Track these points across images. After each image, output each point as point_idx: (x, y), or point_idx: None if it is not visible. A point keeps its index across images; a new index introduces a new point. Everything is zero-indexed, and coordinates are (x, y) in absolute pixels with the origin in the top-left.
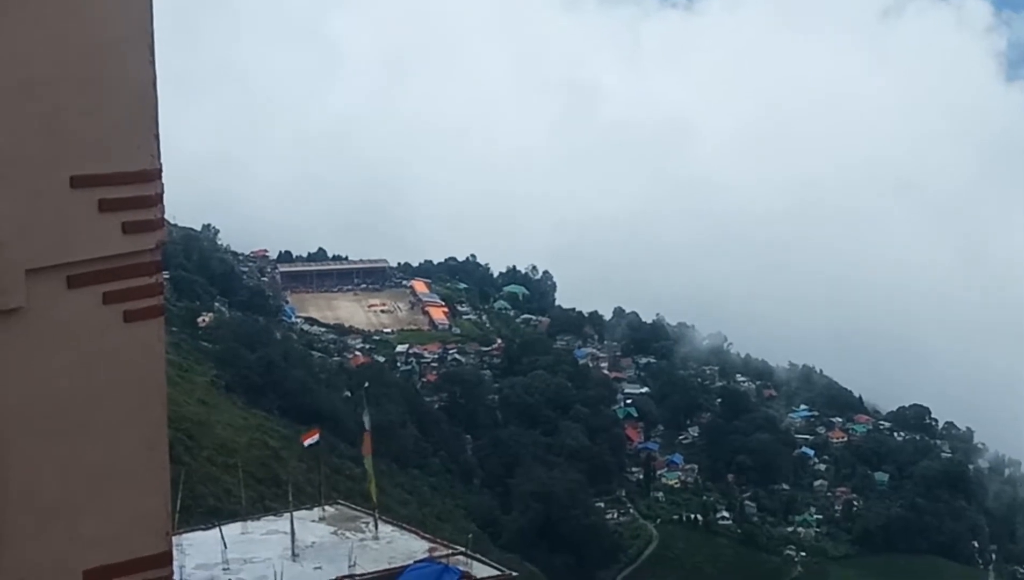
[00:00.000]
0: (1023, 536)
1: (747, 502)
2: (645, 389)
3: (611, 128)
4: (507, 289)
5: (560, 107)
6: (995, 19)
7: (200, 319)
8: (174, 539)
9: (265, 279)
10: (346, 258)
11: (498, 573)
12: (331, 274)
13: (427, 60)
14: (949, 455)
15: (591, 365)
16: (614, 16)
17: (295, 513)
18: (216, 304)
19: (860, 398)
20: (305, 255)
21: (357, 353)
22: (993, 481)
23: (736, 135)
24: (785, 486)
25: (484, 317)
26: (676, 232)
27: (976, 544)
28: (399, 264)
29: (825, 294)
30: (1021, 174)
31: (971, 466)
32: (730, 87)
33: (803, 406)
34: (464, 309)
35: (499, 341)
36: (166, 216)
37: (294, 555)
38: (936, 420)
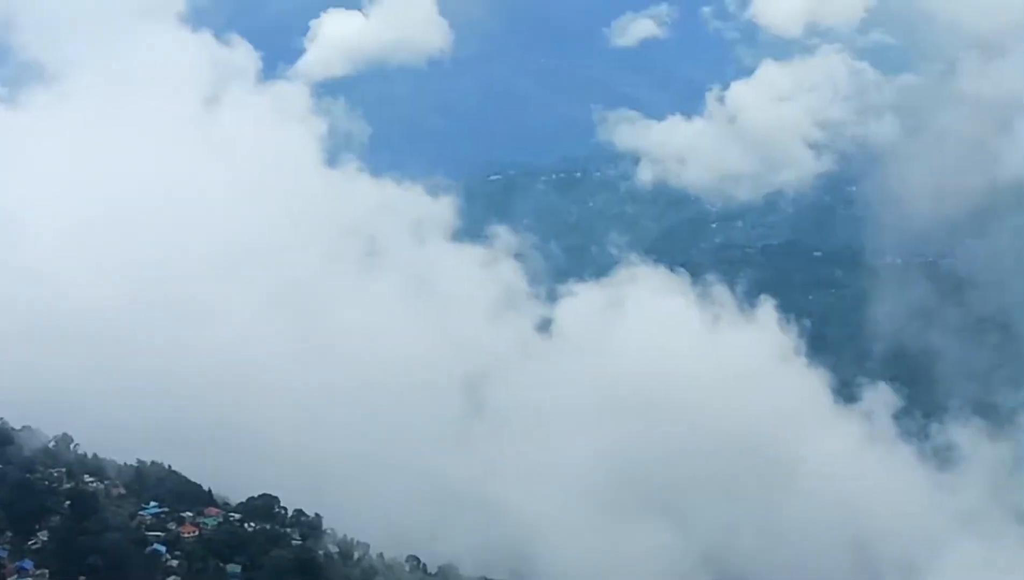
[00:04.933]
0: None
1: None
2: None
3: None
4: None
5: None
6: (315, 105)
7: None
8: None
9: None
10: None
11: None
12: None
13: None
14: (300, 542)
15: None
16: None
17: None
18: None
19: (209, 491)
20: None
21: None
22: (343, 565)
23: (70, 230)
24: None
25: None
26: (8, 332)
27: None
28: None
29: (170, 389)
30: (350, 257)
31: (321, 551)
32: (61, 181)
33: (153, 502)
34: None
35: None
36: None
37: None
38: (286, 508)
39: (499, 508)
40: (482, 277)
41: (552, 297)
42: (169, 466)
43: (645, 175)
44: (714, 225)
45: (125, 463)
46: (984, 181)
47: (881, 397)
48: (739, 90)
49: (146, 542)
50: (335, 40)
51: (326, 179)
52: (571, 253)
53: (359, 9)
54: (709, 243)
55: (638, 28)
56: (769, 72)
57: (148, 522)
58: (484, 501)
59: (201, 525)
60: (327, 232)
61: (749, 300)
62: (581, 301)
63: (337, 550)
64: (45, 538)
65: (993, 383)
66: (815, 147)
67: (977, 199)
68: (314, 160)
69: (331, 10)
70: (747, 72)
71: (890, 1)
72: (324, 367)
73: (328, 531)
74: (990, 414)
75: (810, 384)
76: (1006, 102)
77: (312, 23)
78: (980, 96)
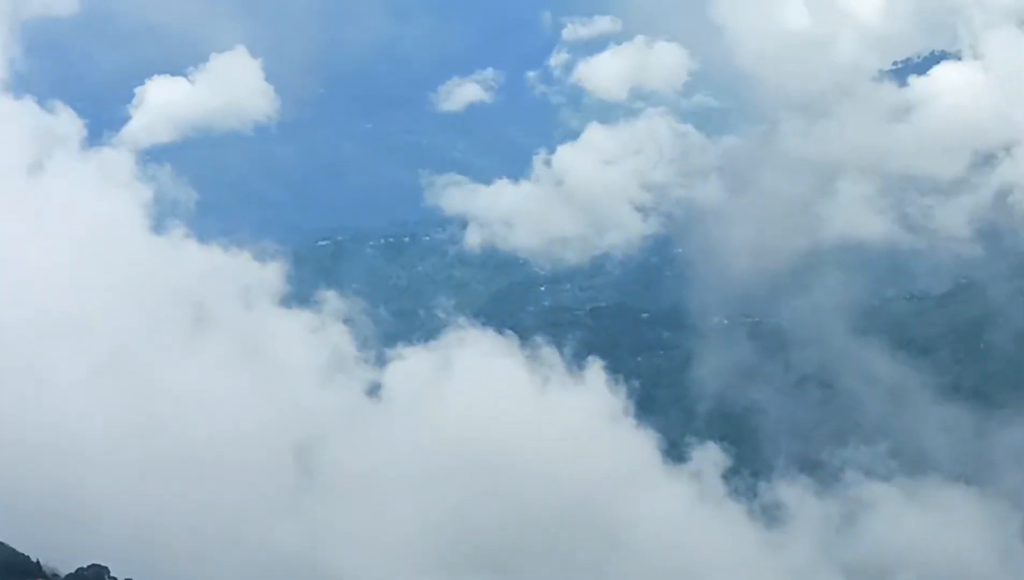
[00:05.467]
0: None
1: None
2: None
3: None
4: None
5: None
6: (140, 172)
7: None
8: None
9: None
10: None
11: None
12: None
13: None
14: None
15: None
16: None
17: None
18: None
19: (38, 562)
20: None
21: None
22: None
23: None
24: None
25: None
26: None
27: None
28: None
29: None
30: (178, 324)
31: None
32: None
33: None
34: None
35: None
36: None
37: None
38: (116, 578)
39: (332, 576)
40: (312, 342)
41: (381, 361)
42: None
43: (473, 239)
44: (543, 288)
45: None
46: (808, 241)
47: (710, 456)
48: (566, 153)
49: None
50: (161, 107)
51: (153, 246)
52: (400, 317)
53: (184, 76)
54: (538, 306)
55: (464, 93)
56: (595, 135)
57: None
58: (316, 569)
59: None
60: (154, 299)
61: (578, 362)
62: (410, 365)
63: None
64: None
65: (818, 440)
66: (642, 209)
67: (801, 259)
68: (140, 227)
69: (156, 77)
70: (573, 136)
71: (712, 64)
72: (154, 436)
73: None
74: (816, 471)
75: (640, 444)
76: (827, 163)
77: (137, 90)
78: (802, 157)
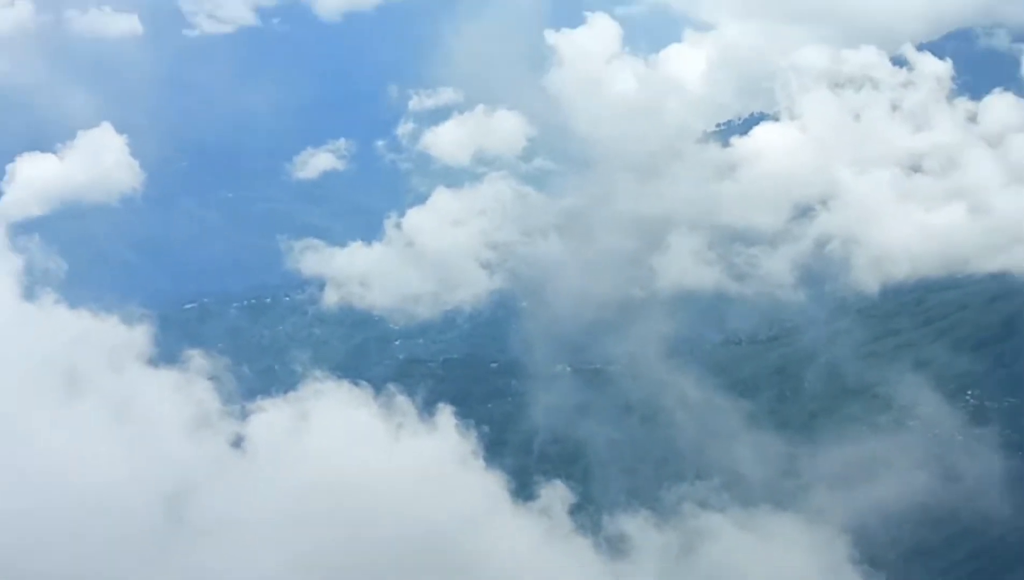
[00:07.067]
0: None
1: None
2: None
3: None
4: None
5: None
6: (12, 244)
7: None
8: None
9: None
10: None
11: None
12: None
13: None
14: None
15: None
16: None
17: None
18: None
19: None
20: None
21: None
22: None
23: None
24: None
25: None
26: None
27: None
28: None
29: None
30: (49, 387)
31: None
32: None
33: None
34: None
35: None
36: None
37: None
38: None
39: None
40: (179, 399)
41: (244, 415)
42: None
43: (331, 298)
44: (397, 342)
45: None
46: (643, 292)
47: (557, 494)
48: (415, 216)
49: None
50: (31, 182)
51: (23, 312)
52: (262, 374)
53: (53, 152)
54: (393, 359)
55: (318, 162)
56: (442, 199)
57: None
58: None
59: None
60: (25, 362)
61: (430, 410)
62: (271, 417)
63: None
64: None
65: (657, 476)
66: (487, 266)
67: (636, 309)
68: (11, 294)
69: (26, 154)
70: (422, 199)
71: (549, 130)
72: (25, 495)
73: None
74: (656, 505)
75: (490, 485)
76: (659, 218)
77: (8, 167)
78: (635, 214)
